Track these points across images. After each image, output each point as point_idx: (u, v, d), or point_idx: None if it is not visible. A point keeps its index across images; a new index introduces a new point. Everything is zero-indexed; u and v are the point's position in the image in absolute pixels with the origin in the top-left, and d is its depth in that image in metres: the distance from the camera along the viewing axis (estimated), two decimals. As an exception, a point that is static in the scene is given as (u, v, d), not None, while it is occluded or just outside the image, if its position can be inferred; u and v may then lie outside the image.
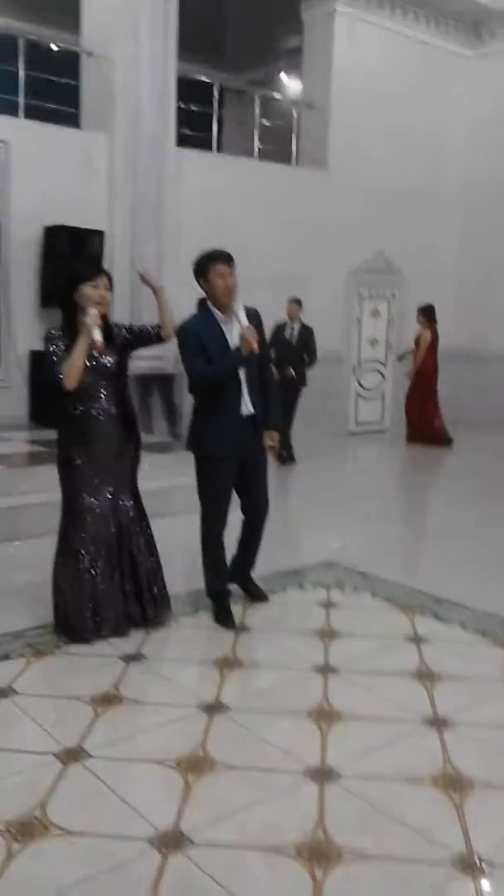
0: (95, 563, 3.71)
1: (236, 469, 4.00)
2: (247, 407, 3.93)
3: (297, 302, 8.19)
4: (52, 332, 3.67)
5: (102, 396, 3.70)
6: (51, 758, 2.75)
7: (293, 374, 7.94)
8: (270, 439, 4.05)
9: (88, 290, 3.59)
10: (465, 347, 11.43)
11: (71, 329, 3.61)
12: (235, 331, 3.84)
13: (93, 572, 3.71)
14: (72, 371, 3.52)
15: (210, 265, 3.85)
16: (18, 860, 2.24)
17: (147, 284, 3.94)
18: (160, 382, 8.21)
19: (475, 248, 11.40)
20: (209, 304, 3.94)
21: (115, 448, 3.77)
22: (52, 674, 3.44)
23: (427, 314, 9.73)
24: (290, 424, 8.24)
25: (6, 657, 3.54)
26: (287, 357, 7.94)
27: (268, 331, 7.75)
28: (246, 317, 3.89)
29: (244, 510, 4.21)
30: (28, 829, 2.36)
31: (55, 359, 3.57)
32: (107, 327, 3.68)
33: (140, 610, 3.86)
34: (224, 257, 3.87)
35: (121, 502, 3.81)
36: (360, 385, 10.71)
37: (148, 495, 5.69)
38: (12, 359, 7.62)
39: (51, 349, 3.59)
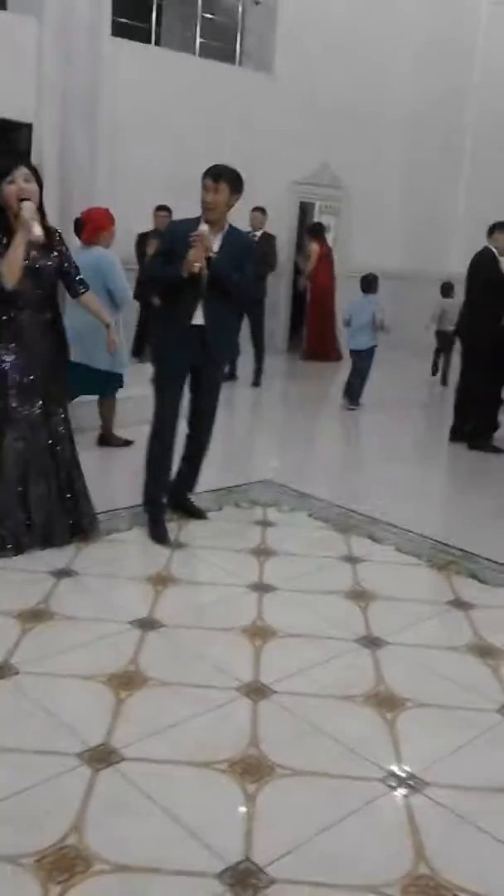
0: (22, 472, 3.59)
1: (184, 375, 4.03)
2: (199, 317, 3.90)
3: (261, 210, 8.01)
4: None
5: (35, 302, 3.52)
6: (-24, 675, 2.67)
7: None
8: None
9: (6, 187, 3.39)
10: (410, 269, 11.32)
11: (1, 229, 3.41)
12: (214, 246, 3.81)
13: (14, 482, 3.59)
14: (11, 269, 3.36)
15: (203, 177, 3.84)
16: None
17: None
18: None
19: (422, 166, 11.12)
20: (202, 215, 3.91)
21: (48, 357, 3.61)
22: (-24, 589, 3.33)
23: (313, 231, 9.95)
24: (262, 344, 8.15)
25: None
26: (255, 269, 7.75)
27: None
28: (236, 241, 3.91)
29: (190, 421, 4.22)
30: (-48, 746, 2.29)
31: None
32: (45, 225, 3.49)
33: (71, 523, 3.78)
34: (211, 172, 3.84)
35: (53, 414, 3.67)
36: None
37: (89, 407, 5.56)
38: None
39: None
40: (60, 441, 3.70)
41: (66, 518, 3.76)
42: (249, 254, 4.08)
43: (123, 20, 8.58)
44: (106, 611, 3.20)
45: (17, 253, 3.36)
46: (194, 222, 3.88)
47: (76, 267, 3.72)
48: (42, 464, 3.65)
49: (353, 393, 7.36)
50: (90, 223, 5.20)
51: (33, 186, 3.43)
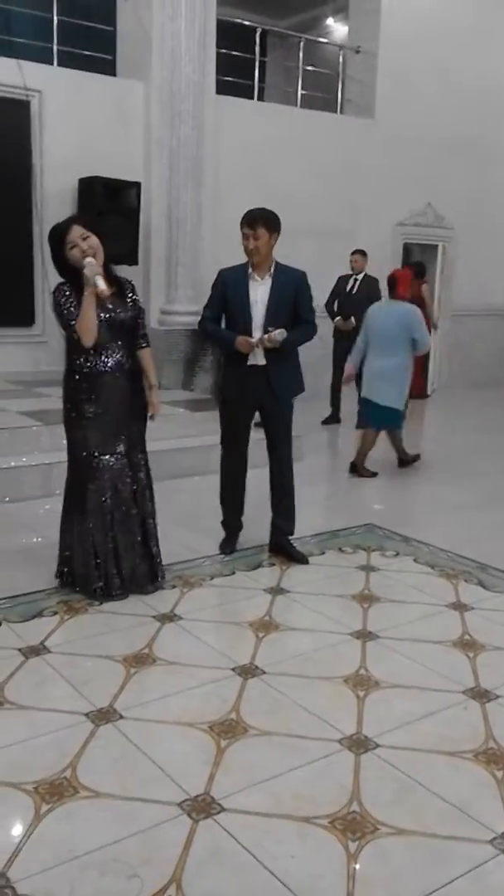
0: (104, 521, 3.64)
1: (250, 415, 4.21)
2: (255, 358, 4.05)
3: (362, 253, 8.08)
4: (60, 285, 3.55)
5: (115, 351, 3.59)
6: (82, 718, 2.72)
7: (354, 323, 7.83)
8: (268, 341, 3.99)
9: (70, 253, 3.47)
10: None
11: (74, 285, 3.49)
12: (262, 290, 4.00)
13: (101, 531, 3.65)
14: (85, 328, 3.44)
15: (241, 226, 3.99)
16: (47, 821, 2.21)
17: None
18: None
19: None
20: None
21: (127, 404, 3.66)
22: (85, 632, 3.40)
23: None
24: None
25: (39, 614, 3.52)
26: (348, 308, 7.90)
27: (329, 282, 7.69)
28: (285, 279, 4.02)
29: (269, 461, 4.31)
30: (57, 789, 2.33)
31: (65, 312, 3.48)
32: (111, 276, 3.58)
33: (149, 570, 3.79)
34: (247, 219, 3.97)
35: (135, 459, 3.72)
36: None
37: (183, 453, 5.70)
38: (50, 313, 7.53)
39: (61, 301, 3.49)
40: (140, 487, 3.74)
41: (146, 564, 3.79)
42: (302, 287, 4.09)
43: (228, 78, 8.87)
44: (208, 657, 3.21)
45: (88, 313, 3.42)
46: (239, 268, 4.08)
47: (143, 320, 3.74)
48: (123, 513, 3.68)
49: None
50: (402, 282, 6.14)
51: (94, 241, 3.48)
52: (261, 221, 3.93)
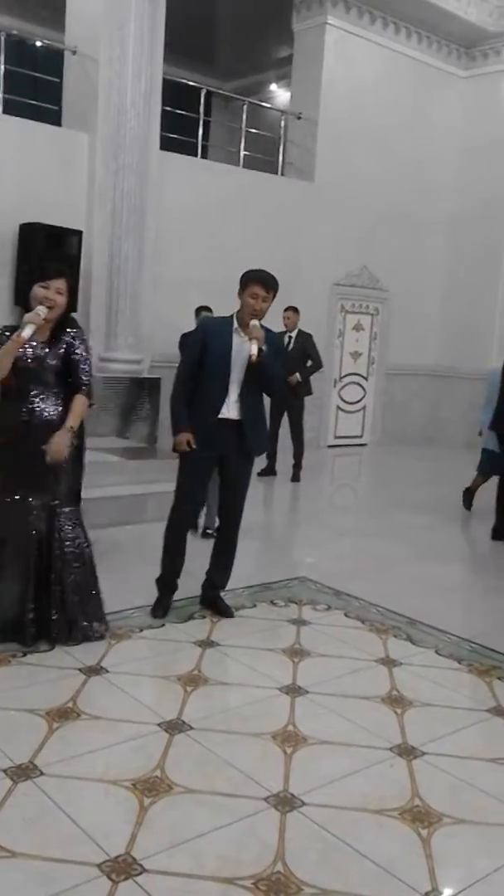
0: (5, 567, 3.60)
1: (210, 467, 4.14)
2: (228, 411, 4.00)
3: (294, 310, 8.15)
4: (3, 326, 3.63)
5: (32, 397, 3.58)
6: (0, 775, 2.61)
7: (299, 379, 7.95)
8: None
9: (36, 289, 3.53)
10: (445, 366, 11.47)
11: None
12: (245, 349, 3.93)
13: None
14: None
15: (250, 283, 3.97)
16: (-42, 885, 2.10)
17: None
18: (147, 386, 8.07)
19: (461, 267, 11.37)
20: (235, 314, 4.04)
21: (39, 452, 3.56)
22: (6, 685, 3.28)
23: None
24: (301, 440, 8.23)
25: (-41, 666, 3.40)
26: (285, 366, 7.96)
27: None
28: (266, 340, 3.94)
29: (219, 513, 4.29)
30: (-29, 851, 2.23)
31: None
32: (57, 329, 3.61)
33: (58, 625, 3.65)
34: (265, 281, 3.96)
35: (48, 513, 3.63)
36: (342, 398, 10.75)
37: (120, 501, 5.64)
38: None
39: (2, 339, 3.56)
40: (49, 538, 3.62)
41: (49, 622, 3.65)
42: (279, 348, 4.15)
43: (172, 135, 9.06)
44: (134, 711, 3.14)
45: (5, 354, 3.45)
46: (228, 322, 4.05)
47: (85, 370, 3.67)
48: (23, 562, 3.59)
49: None
50: None
51: (60, 300, 3.54)
52: (274, 287, 3.97)
